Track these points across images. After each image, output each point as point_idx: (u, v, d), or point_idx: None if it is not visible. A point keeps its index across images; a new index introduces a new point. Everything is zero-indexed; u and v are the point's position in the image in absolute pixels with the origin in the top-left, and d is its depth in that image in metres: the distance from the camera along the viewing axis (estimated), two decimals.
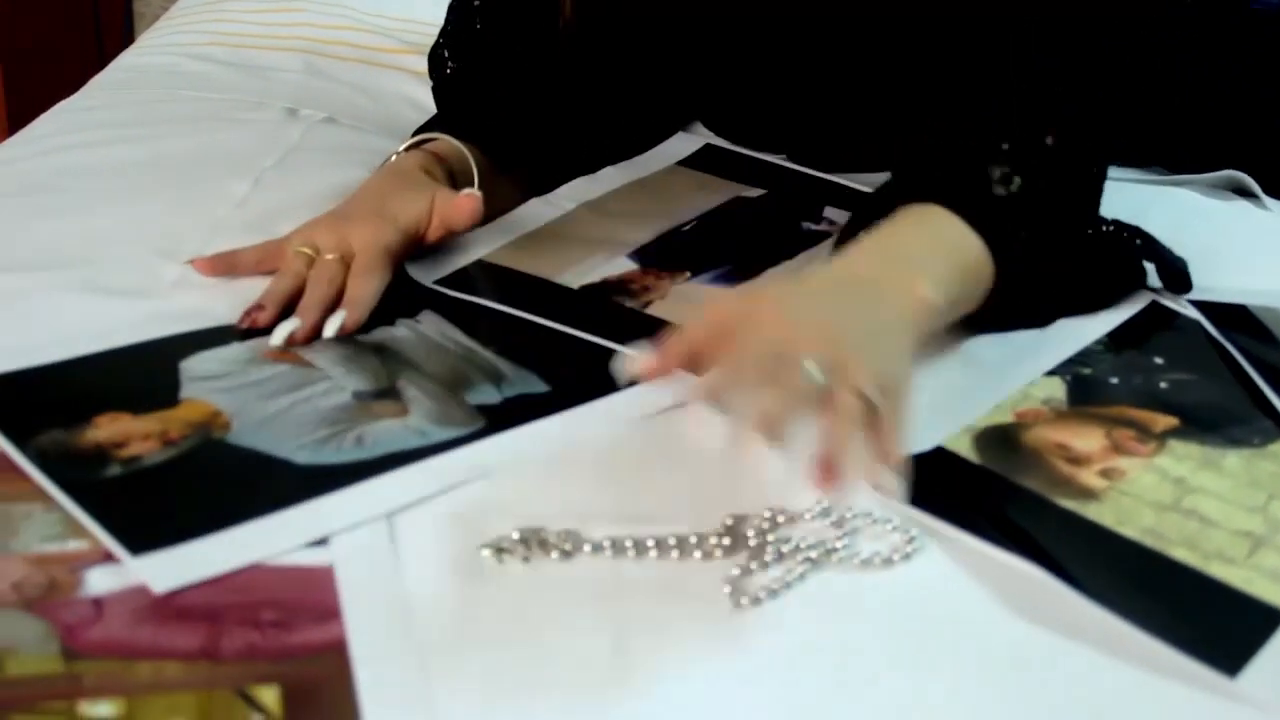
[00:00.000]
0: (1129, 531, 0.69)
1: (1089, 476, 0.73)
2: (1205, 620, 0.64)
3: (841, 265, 0.78)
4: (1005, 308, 0.83)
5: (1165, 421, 0.78)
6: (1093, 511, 0.71)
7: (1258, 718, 0.58)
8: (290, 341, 0.83)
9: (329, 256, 0.89)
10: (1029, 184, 0.83)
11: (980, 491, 0.73)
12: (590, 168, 1.11)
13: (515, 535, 0.66)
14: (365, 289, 0.88)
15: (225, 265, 0.91)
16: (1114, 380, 0.83)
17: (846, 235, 0.89)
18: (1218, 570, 0.66)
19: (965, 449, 0.76)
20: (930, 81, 0.99)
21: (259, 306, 0.85)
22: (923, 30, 1.00)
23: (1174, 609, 0.64)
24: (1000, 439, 0.77)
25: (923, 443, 0.75)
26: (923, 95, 1.00)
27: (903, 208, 0.82)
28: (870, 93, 1.05)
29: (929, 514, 0.69)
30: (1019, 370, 0.83)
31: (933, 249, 0.79)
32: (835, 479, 0.66)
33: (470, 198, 0.93)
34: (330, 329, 0.84)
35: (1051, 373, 0.83)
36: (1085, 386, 0.82)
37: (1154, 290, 0.93)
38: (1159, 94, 1.13)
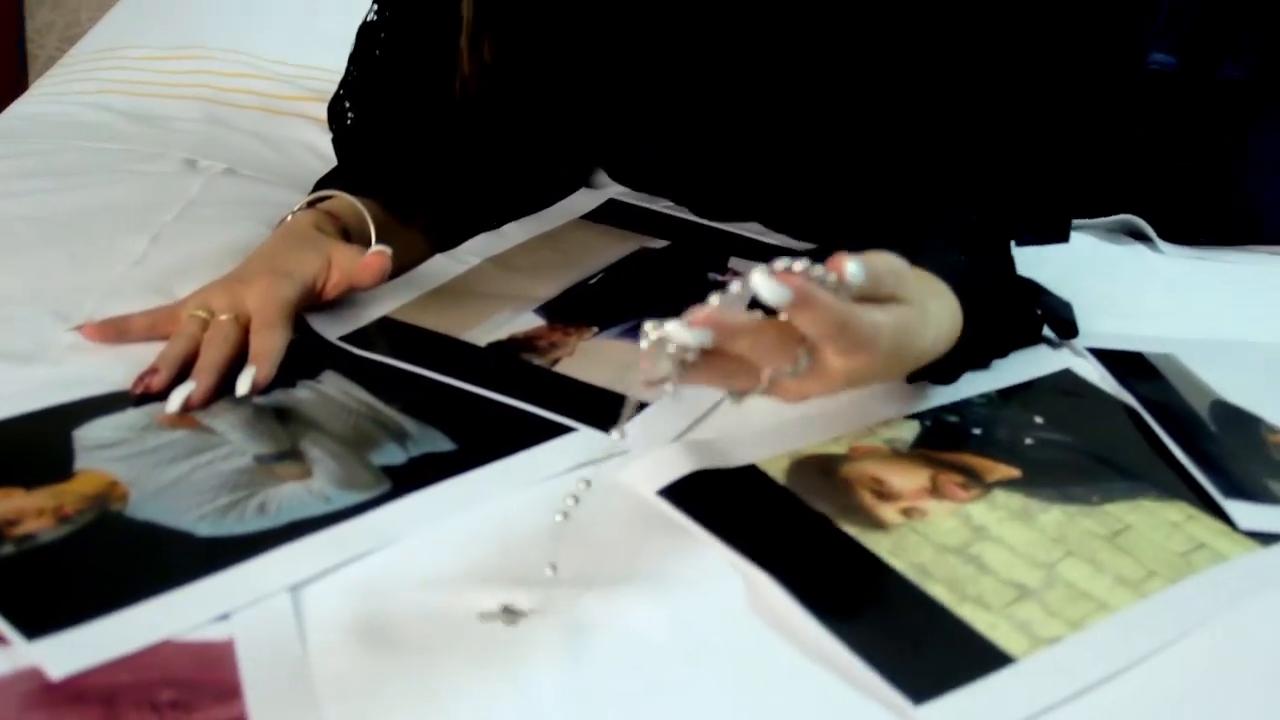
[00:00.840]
0: (897, 564, 0.70)
1: (888, 511, 0.74)
2: (920, 650, 0.65)
3: None
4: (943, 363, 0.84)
5: (1004, 471, 0.79)
6: (871, 540, 0.72)
7: None
8: (187, 406, 0.81)
9: (223, 317, 0.88)
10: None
11: (763, 508, 0.74)
12: (494, 223, 1.10)
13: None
14: (269, 343, 0.86)
15: (116, 331, 0.89)
16: (976, 431, 0.83)
17: None
18: (966, 611, 0.67)
19: (777, 471, 0.77)
20: (830, 141, 1.01)
21: (153, 370, 0.84)
22: (822, 92, 1.01)
23: (895, 635, 0.65)
24: (817, 467, 0.78)
25: (735, 459, 0.77)
26: (823, 155, 1.01)
27: None
28: (771, 149, 1.06)
29: (696, 521, 0.72)
30: (882, 409, 0.84)
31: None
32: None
33: (378, 255, 0.92)
34: (242, 386, 0.83)
35: (915, 415, 0.84)
36: (941, 432, 0.83)
37: (1051, 341, 0.94)
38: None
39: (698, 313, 0.63)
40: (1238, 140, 1.19)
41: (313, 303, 0.93)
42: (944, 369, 0.84)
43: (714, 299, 0.63)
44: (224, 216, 1.10)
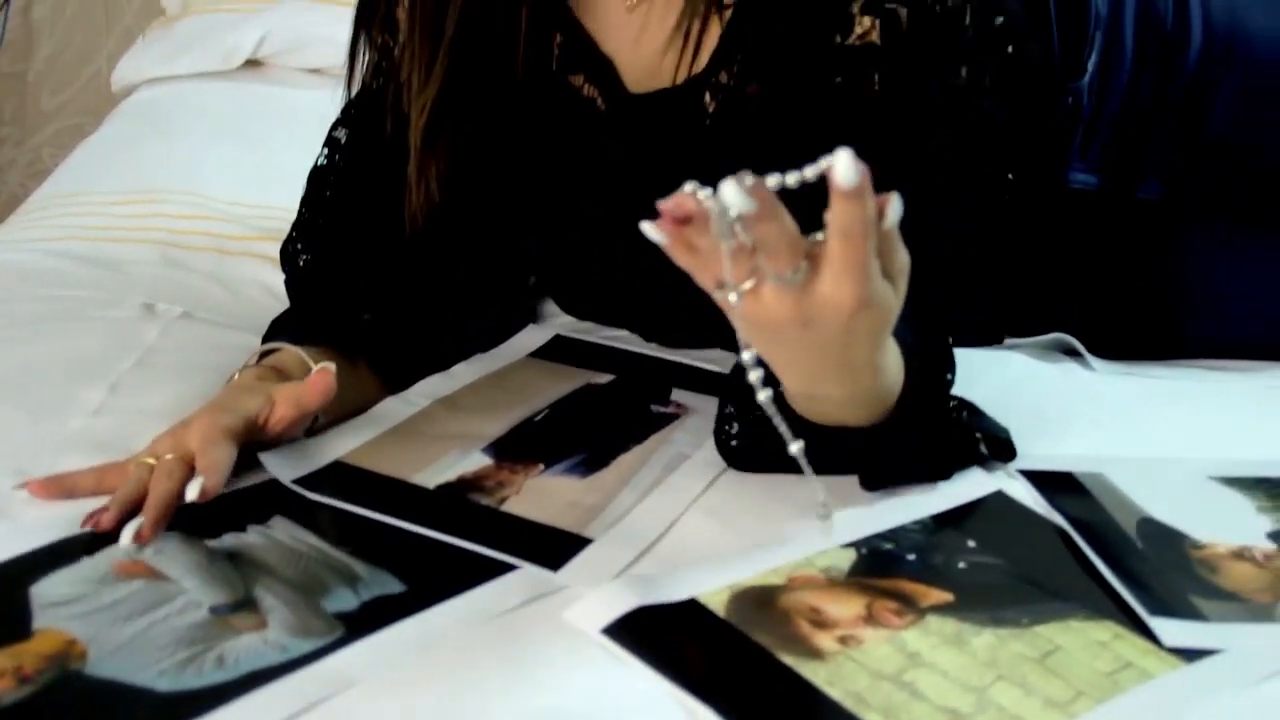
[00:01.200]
0: (834, 692, 0.72)
1: (825, 639, 0.77)
2: None
3: None
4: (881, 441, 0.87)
5: (937, 597, 0.81)
6: (808, 670, 0.74)
7: None
8: (137, 538, 0.84)
9: (168, 457, 0.90)
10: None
11: (704, 642, 0.77)
12: (445, 363, 1.13)
13: None
14: (214, 458, 0.89)
15: (61, 488, 0.90)
16: (910, 557, 0.86)
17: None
18: None
19: (718, 604, 0.79)
20: None
21: (103, 509, 0.86)
22: None
23: None
24: (757, 599, 0.80)
25: (676, 594, 0.80)
26: None
27: None
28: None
29: (640, 658, 0.74)
30: (815, 538, 0.86)
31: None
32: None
33: (323, 373, 0.95)
34: (192, 492, 0.86)
35: (851, 544, 0.87)
36: (876, 560, 0.85)
37: (984, 461, 0.97)
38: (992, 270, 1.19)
39: (749, 177, 0.66)
40: (1161, 258, 1.24)
41: (257, 437, 0.95)
42: (890, 434, 0.88)
43: (790, 179, 0.67)
44: (182, 364, 1.12)
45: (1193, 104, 1.21)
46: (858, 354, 0.78)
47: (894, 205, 0.71)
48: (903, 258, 0.75)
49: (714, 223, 0.68)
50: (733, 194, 0.67)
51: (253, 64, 1.94)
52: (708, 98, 1.05)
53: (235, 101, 1.85)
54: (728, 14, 1.04)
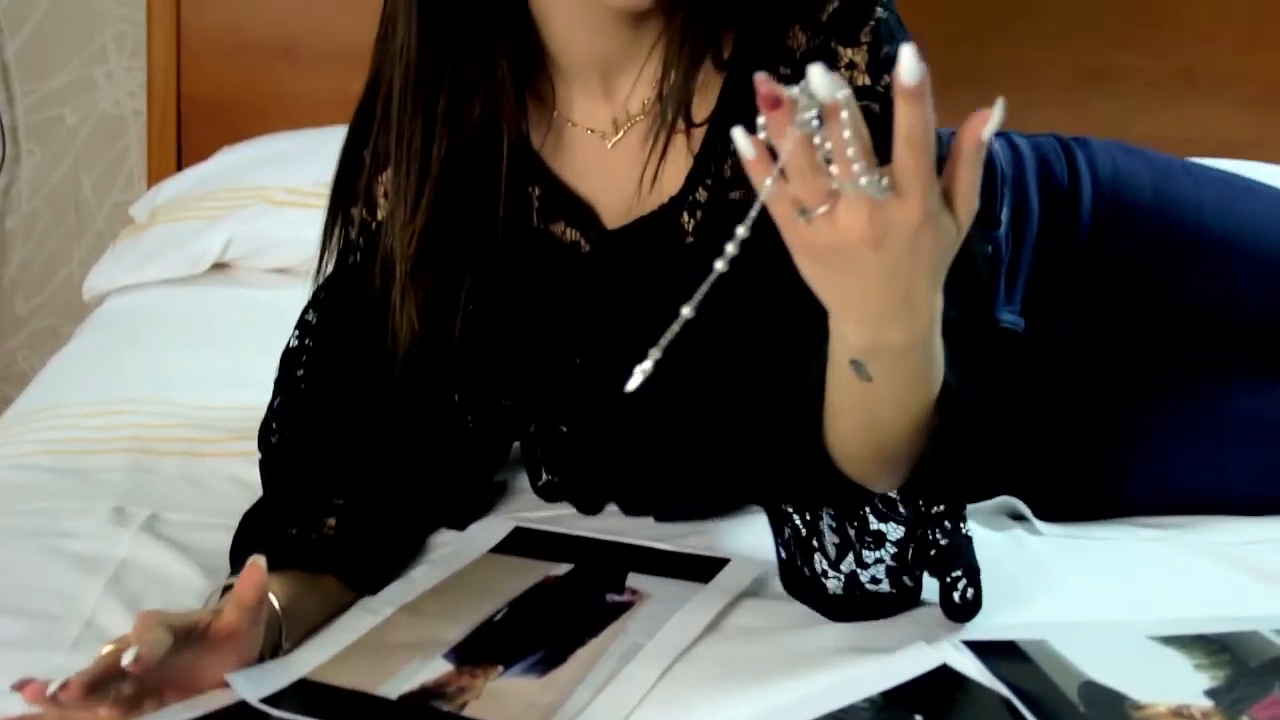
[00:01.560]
0: None
1: None
2: None
3: None
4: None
5: None
6: None
7: None
8: (63, 690, 0.85)
9: (108, 647, 0.92)
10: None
11: None
12: (411, 555, 1.17)
13: None
14: (150, 636, 0.90)
15: None
16: None
17: None
18: None
19: None
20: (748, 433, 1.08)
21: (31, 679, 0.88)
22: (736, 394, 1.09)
23: None
24: None
25: None
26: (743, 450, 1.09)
27: None
28: (694, 451, 1.14)
29: None
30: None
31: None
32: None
33: (252, 568, 0.96)
34: (126, 658, 0.87)
35: None
36: None
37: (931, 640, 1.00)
38: None
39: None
40: (1095, 419, 1.28)
41: (193, 634, 0.95)
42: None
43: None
44: (154, 580, 1.15)
45: (1092, 251, 1.30)
46: (920, 282, 0.80)
47: (995, 116, 0.73)
48: (975, 197, 0.77)
49: (800, 107, 0.70)
50: (820, 77, 0.69)
51: (220, 267, 1.99)
52: (685, 217, 1.10)
53: (203, 305, 1.90)
54: (698, 133, 1.10)
